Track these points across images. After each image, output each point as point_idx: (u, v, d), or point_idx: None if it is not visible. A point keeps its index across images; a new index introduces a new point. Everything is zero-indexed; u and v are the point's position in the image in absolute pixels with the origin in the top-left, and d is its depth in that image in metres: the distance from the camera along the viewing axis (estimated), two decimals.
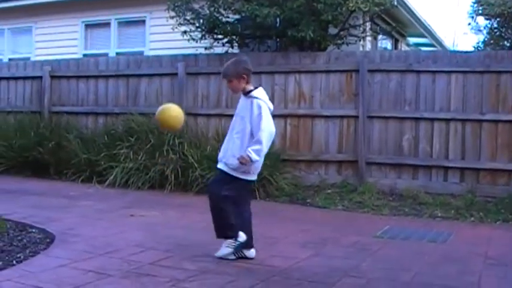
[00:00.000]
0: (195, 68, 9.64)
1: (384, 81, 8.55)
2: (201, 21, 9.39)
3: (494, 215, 6.99)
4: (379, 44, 12.87)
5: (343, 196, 8.04)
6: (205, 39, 9.59)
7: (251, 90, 4.53)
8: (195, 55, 9.76)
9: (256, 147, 4.36)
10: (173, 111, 4.54)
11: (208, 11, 9.36)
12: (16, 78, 11.24)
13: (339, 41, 9.48)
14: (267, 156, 4.94)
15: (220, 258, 4.52)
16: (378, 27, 11.69)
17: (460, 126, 8.16)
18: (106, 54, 11.92)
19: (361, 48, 10.42)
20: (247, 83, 4.56)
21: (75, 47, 12.64)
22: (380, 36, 12.70)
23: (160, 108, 4.55)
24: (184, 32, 9.53)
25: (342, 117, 8.73)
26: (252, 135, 4.43)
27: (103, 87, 10.41)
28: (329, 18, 8.61)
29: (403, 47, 14.66)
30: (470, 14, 14.03)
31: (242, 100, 4.62)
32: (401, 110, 8.47)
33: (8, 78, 11.35)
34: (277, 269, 4.32)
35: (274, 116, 4.69)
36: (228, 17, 9.44)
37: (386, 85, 8.54)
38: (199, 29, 9.50)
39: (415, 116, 8.36)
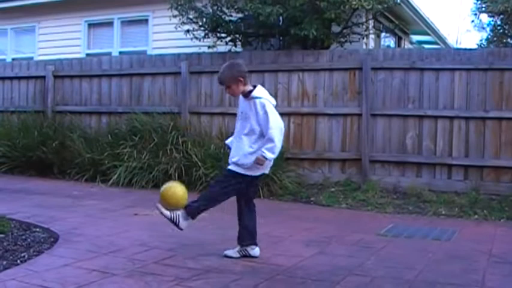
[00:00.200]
0: (198, 66, 9.64)
1: (387, 79, 8.53)
2: (204, 20, 9.39)
3: (498, 213, 6.98)
4: (382, 42, 12.86)
5: (346, 194, 8.04)
6: (208, 38, 9.60)
7: (251, 91, 4.51)
8: (198, 54, 9.76)
9: (269, 145, 4.36)
10: (179, 190, 4.58)
11: (211, 10, 9.37)
12: (19, 78, 11.27)
13: (342, 39, 9.48)
14: None
15: (225, 256, 4.54)
16: (381, 25, 11.68)
17: (463, 123, 8.14)
18: (109, 54, 11.93)
19: (364, 46, 10.41)
20: (245, 84, 4.54)
21: (78, 47, 12.66)
22: (383, 34, 12.69)
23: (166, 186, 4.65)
24: (187, 31, 9.54)
25: (345, 115, 8.72)
26: (262, 134, 4.44)
27: (106, 87, 10.43)
28: (332, 17, 8.60)
29: (406, 44, 14.64)
30: (474, 11, 14.04)
31: (243, 101, 4.59)
32: (404, 108, 8.46)
33: (11, 78, 11.38)
34: (281, 268, 4.32)
35: (279, 116, 4.68)
36: (231, 16, 9.44)
37: (390, 83, 8.53)
38: (202, 28, 9.50)
39: (419, 113, 8.34)
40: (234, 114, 4.71)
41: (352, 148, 8.68)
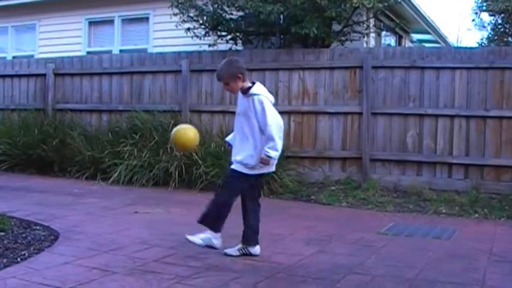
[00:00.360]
0: (199, 65, 9.64)
1: (387, 77, 8.53)
2: (205, 18, 9.39)
3: (499, 212, 6.98)
4: (382, 41, 12.85)
5: (347, 193, 8.04)
6: (209, 36, 9.59)
7: (249, 88, 4.50)
8: (199, 52, 9.76)
9: (271, 144, 4.35)
10: (190, 133, 4.56)
11: (211, 8, 9.36)
12: (20, 76, 11.27)
13: (343, 38, 9.48)
14: None
15: (225, 254, 4.54)
16: (382, 24, 11.66)
17: (464, 122, 8.14)
18: (110, 52, 11.92)
19: (364, 45, 10.41)
20: (244, 81, 4.53)
21: (79, 45, 12.65)
22: (384, 33, 12.69)
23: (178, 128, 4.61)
24: (188, 29, 9.53)
25: (345, 113, 8.72)
26: (261, 131, 4.42)
27: (107, 85, 10.43)
28: (333, 15, 8.59)
29: (406, 43, 14.62)
30: (474, 10, 14.01)
31: (241, 98, 4.58)
32: (405, 107, 8.45)
33: (11, 76, 11.38)
34: (281, 266, 4.32)
35: (278, 113, 4.67)
36: (232, 14, 9.44)
37: (390, 81, 8.52)
38: (202, 26, 9.49)
39: (419, 112, 8.34)
40: (235, 113, 4.70)
41: (353, 147, 8.68)
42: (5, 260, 4.18)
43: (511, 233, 6.11)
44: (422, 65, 8.34)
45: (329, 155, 8.78)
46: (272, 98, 4.56)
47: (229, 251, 4.58)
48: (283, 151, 8.34)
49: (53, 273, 3.90)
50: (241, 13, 9.45)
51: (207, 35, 9.57)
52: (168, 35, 11.13)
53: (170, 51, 10.19)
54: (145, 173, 8.48)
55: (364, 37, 10.09)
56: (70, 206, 6.73)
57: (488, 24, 14.41)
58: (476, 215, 6.91)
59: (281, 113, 4.58)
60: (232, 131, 4.78)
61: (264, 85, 4.69)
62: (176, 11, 9.47)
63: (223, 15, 9.39)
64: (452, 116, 8.19)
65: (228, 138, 4.81)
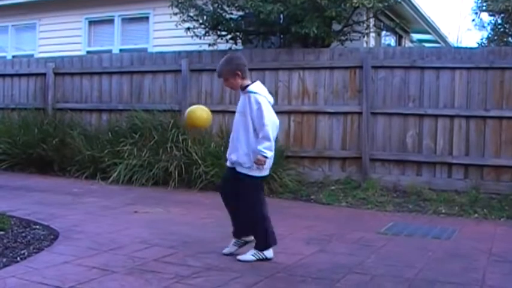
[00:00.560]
0: (199, 64, 9.64)
1: (387, 77, 8.53)
2: (205, 17, 9.39)
3: (499, 212, 6.98)
4: (382, 41, 12.85)
5: (347, 192, 8.04)
6: (208, 35, 9.59)
7: (248, 85, 4.47)
8: (199, 52, 9.76)
9: (266, 144, 4.31)
10: (204, 113, 4.56)
11: (211, 8, 9.36)
12: (20, 75, 11.27)
13: (343, 38, 9.48)
14: None
15: (225, 254, 4.54)
16: (382, 24, 11.66)
17: (464, 122, 8.14)
18: (110, 51, 11.92)
19: (364, 45, 10.41)
20: (244, 78, 4.49)
21: (79, 44, 12.65)
22: (384, 33, 12.68)
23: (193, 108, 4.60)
24: (188, 28, 9.53)
25: (345, 113, 8.72)
26: (255, 130, 4.39)
27: (107, 84, 10.43)
28: (333, 15, 8.59)
29: (406, 43, 14.63)
30: (474, 10, 14.04)
31: (241, 95, 4.57)
32: (405, 107, 8.45)
33: (11, 75, 11.37)
34: (281, 266, 4.32)
35: (277, 113, 4.65)
36: (232, 14, 9.44)
37: (390, 81, 8.52)
38: (202, 26, 9.49)
39: (419, 112, 8.35)
40: (235, 112, 4.69)
41: (353, 146, 8.68)
42: (4, 259, 4.18)
43: (511, 233, 6.11)
44: (422, 65, 8.34)
45: (329, 155, 8.79)
46: (271, 98, 4.53)
47: (245, 259, 4.46)
48: (282, 151, 8.44)
49: (53, 272, 3.90)
50: (241, 13, 9.45)
51: (207, 34, 9.56)
52: (168, 34, 11.13)
53: (170, 51, 10.18)
54: (145, 173, 8.48)
55: (364, 37, 10.09)
56: (70, 205, 6.72)
57: (488, 24, 14.43)
58: (476, 215, 6.91)
59: (281, 112, 4.59)
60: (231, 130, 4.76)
61: (264, 85, 4.67)
62: (176, 10, 9.47)
63: (223, 14, 9.39)
64: (452, 116, 8.19)
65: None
